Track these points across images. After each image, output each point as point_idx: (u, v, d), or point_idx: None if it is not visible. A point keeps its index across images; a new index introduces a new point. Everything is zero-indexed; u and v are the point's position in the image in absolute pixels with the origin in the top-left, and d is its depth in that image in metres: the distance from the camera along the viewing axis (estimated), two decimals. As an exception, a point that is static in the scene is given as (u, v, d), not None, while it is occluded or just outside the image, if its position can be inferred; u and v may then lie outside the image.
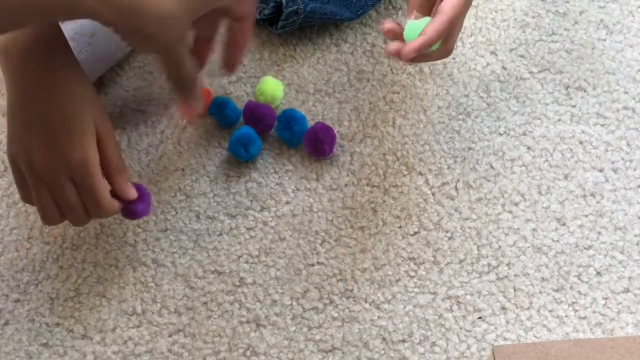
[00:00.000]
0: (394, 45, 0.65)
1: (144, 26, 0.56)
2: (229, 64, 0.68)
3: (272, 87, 0.78)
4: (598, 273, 0.71)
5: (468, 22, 0.84)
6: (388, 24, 0.67)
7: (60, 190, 0.63)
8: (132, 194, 0.66)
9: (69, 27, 0.77)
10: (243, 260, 0.71)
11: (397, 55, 0.65)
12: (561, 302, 0.70)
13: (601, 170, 0.76)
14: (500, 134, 0.78)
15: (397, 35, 0.67)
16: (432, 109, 0.80)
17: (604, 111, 0.80)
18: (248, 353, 0.67)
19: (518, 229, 0.73)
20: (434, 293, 0.70)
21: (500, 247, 0.72)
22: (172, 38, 0.59)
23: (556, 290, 0.70)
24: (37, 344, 0.67)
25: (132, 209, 0.66)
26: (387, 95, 0.80)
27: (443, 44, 0.66)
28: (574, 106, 0.80)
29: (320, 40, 0.84)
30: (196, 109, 0.68)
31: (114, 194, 0.65)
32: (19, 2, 0.52)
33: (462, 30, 0.83)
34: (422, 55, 0.66)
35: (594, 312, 0.69)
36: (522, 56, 0.83)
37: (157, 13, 0.56)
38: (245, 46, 0.68)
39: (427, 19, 0.65)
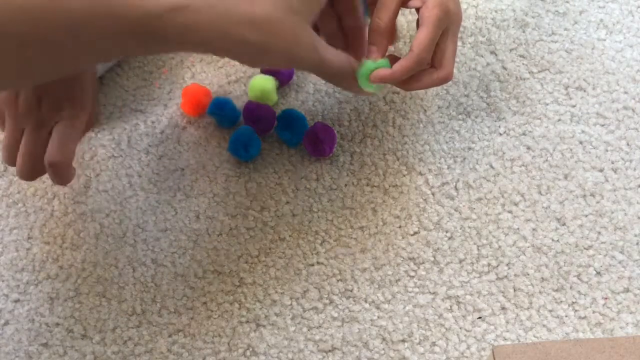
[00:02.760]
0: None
1: (270, 57, 0.55)
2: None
3: (260, 82, 0.78)
4: (598, 273, 0.71)
5: (468, 22, 0.85)
6: (375, 76, 0.67)
7: (37, 132, 0.65)
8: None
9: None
10: (243, 260, 0.71)
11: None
12: (561, 302, 0.70)
13: (601, 170, 0.76)
14: (500, 134, 0.78)
15: (385, 79, 0.67)
16: (432, 109, 0.80)
17: (603, 111, 0.80)
18: (248, 353, 0.67)
19: (518, 229, 0.73)
20: (433, 293, 0.70)
21: (500, 247, 0.72)
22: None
23: (556, 290, 0.70)
24: (37, 344, 0.67)
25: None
26: (387, 95, 0.80)
27: (436, 72, 0.68)
28: (573, 106, 0.80)
29: (320, 40, 0.84)
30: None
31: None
32: (112, 31, 0.50)
33: (462, 30, 0.83)
34: (417, 82, 0.68)
35: (593, 312, 0.69)
36: (522, 56, 0.83)
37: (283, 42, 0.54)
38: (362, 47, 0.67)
39: (383, 61, 0.66)
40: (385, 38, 0.67)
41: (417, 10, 0.67)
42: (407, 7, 0.68)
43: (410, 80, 0.67)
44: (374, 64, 0.64)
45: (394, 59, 0.67)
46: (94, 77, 0.68)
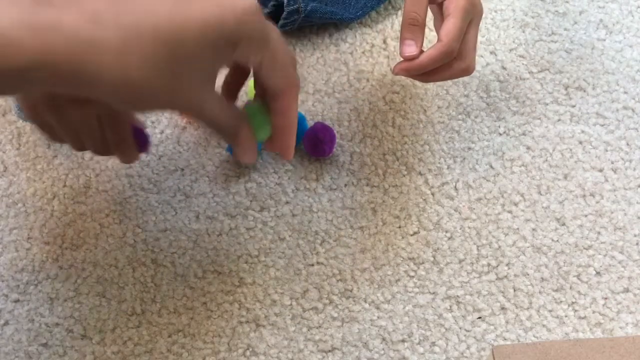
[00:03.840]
0: (396, 66, 0.67)
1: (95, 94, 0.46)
2: (282, 151, 0.58)
3: None
4: (598, 273, 0.71)
5: (468, 22, 0.85)
6: (400, 67, 0.67)
7: (89, 124, 0.61)
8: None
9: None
10: (242, 260, 0.71)
11: (397, 73, 0.66)
12: (561, 302, 0.70)
13: (601, 170, 0.76)
14: (500, 134, 0.78)
15: (410, 68, 0.67)
16: (432, 109, 0.80)
17: (603, 111, 0.80)
18: (248, 353, 0.67)
19: (518, 229, 0.73)
20: (433, 293, 0.70)
21: (500, 247, 0.72)
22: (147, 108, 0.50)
23: (556, 290, 0.70)
24: (37, 344, 0.67)
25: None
26: (387, 95, 0.80)
27: (457, 62, 0.67)
28: (573, 106, 0.80)
29: (320, 40, 0.84)
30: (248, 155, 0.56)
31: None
32: None
33: (462, 30, 0.83)
34: (438, 72, 0.67)
35: (593, 312, 0.69)
36: (521, 56, 0.83)
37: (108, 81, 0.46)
38: (290, 129, 0.56)
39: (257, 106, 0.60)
40: (422, 32, 0.66)
41: (440, 4, 0.67)
42: (433, 3, 0.68)
43: (432, 70, 0.67)
44: (258, 108, 0.58)
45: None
46: None
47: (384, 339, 0.68)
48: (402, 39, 0.66)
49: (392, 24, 0.85)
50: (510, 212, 0.74)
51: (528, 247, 0.72)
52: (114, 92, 0.47)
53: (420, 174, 0.76)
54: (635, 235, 0.73)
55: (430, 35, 0.81)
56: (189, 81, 0.49)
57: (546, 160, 0.77)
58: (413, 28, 0.66)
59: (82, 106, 0.60)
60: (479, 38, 0.84)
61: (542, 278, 0.71)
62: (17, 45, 0.44)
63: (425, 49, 0.66)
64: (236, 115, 0.55)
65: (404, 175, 0.76)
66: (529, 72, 0.82)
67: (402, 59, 0.66)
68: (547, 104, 0.80)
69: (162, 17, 0.47)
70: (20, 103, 0.64)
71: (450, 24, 0.65)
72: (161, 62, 0.47)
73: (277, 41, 0.52)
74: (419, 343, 0.68)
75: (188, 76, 0.48)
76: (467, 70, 0.68)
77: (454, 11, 0.65)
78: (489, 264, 0.71)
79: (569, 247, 0.72)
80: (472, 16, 0.67)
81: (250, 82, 0.79)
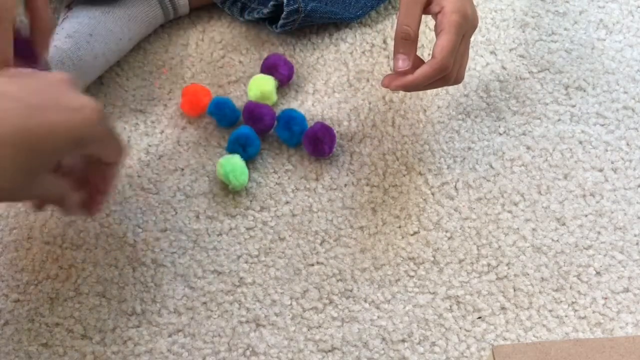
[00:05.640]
0: (387, 78, 0.68)
1: None
2: (89, 206, 0.63)
3: (260, 82, 0.78)
4: (598, 273, 0.71)
5: (468, 22, 0.85)
6: (396, 84, 0.67)
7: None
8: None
9: (67, 26, 0.77)
10: (243, 260, 0.71)
11: (387, 86, 0.67)
12: (561, 302, 0.70)
13: (601, 170, 0.76)
14: (500, 134, 0.78)
15: (406, 86, 0.67)
16: (432, 109, 0.80)
17: (603, 111, 0.80)
18: (248, 353, 0.67)
19: (518, 228, 0.73)
20: (433, 293, 0.70)
21: (500, 247, 0.72)
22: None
23: (556, 290, 0.70)
24: (37, 344, 0.67)
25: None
26: (387, 95, 0.80)
27: (448, 74, 0.67)
28: (573, 106, 0.80)
29: (320, 40, 0.84)
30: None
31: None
32: None
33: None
34: (429, 86, 0.68)
35: (593, 312, 0.69)
36: (521, 56, 0.83)
37: None
38: (106, 192, 0.63)
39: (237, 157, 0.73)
40: (414, 46, 0.66)
41: (434, 16, 0.67)
42: (427, 14, 0.68)
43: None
44: (232, 161, 0.73)
45: (419, 62, 0.67)
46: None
47: (384, 339, 0.68)
48: (395, 53, 0.66)
49: (392, 24, 0.85)
50: (510, 212, 0.74)
51: (528, 247, 0.72)
52: None
53: (420, 174, 0.76)
54: (635, 235, 0.73)
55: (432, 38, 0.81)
56: (36, 179, 0.52)
57: (546, 160, 0.77)
58: (405, 42, 0.66)
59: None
60: (479, 38, 0.84)
61: (542, 278, 0.71)
62: None
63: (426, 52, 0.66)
64: (61, 189, 0.58)
65: (404, 175, 0.76)
66: (529, 72, 0.82)
67: (393, 72, 0.68)
68: (547, 104, 0.80)
69: (19, 126, 0.49)
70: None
71: (444, 41, 0.65)
72: (14, 166, 0.49)
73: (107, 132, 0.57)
74: (419, 343, 0.68)
75: (38, 175, 0.52)
76: (457, 81, 0.69)
77: (447, 27, 0.65)
78: (489, 264, 0.71)
79: (569, 247, 0.72)
80: (465, 30, 0.66)
81: (251, 82, 0.79)
